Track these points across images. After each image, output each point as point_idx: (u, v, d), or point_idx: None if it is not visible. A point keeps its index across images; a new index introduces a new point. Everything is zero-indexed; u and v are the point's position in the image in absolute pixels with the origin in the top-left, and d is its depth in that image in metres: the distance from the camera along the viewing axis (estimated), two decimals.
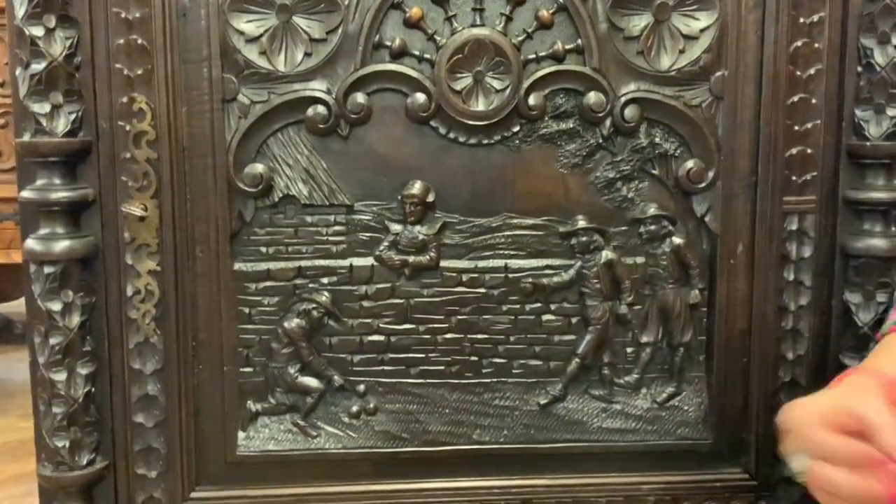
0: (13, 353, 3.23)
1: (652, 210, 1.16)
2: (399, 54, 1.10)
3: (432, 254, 1.15)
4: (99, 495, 1.14)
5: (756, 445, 1.19)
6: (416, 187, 1.13)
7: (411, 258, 1.15)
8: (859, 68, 1.12)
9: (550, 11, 1.10)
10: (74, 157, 1.07)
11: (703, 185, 1.15)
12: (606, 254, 1.16)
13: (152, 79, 1.06)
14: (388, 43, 1.09)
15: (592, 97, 1.12)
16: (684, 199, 1.16)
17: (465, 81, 1.10)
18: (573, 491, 1.19)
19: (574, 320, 1.19)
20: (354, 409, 1.18)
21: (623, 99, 1.12)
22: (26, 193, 1.06)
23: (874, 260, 1.14)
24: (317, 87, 1.10)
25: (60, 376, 1.08)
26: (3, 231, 2.71)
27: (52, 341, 1.07)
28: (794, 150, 1.13)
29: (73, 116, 1.05)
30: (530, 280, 1.17)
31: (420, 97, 1.10)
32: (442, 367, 1.18)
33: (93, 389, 1.10)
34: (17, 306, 3.22)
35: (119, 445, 1.13)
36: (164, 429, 1.13)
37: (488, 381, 1.19)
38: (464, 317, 1.17)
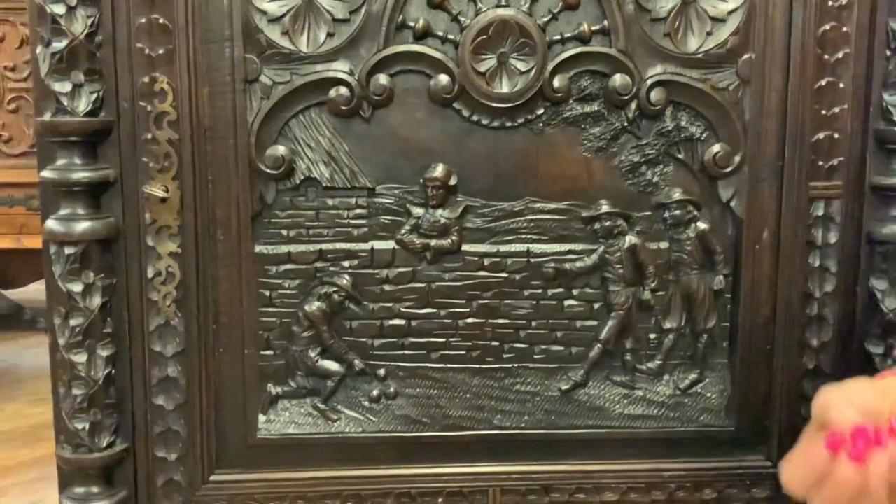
0: (22, 340, 3.23)
1: (677, 195, 1.14)
2: (422, 35, 1.09)
3: (454, 237, 1.14)
4: (118, 478, 1.13)
5: (779, 433, 1.18)
6: (439, 170, 1.12)
7: (433, 242, 1.14)
8: (888, 52, 1.11)
9: None
10: (95, 137, 1.06)
11: (729, 169, 1.14)
12: (630, 239, 1.15)
13: (174, 59, 1.05)
14: (412, 23, 1.08)
15: (618, 79, 1.10)
16: (710, 183, 1.15)
17: (488, 63, 1.09)
18: (594, 477, 1.19)
19: (596, 306, 1.18)
20: (375, 393, 1.17)
21: (649, 82, 1.11)
22: (47, 173, 1.05)
23: None
24: (339, 69, 1.08)
25: (81, 358, 1.07)
26: (14, 216, 2.70)
27: (73, 323, 1.06)
28: (821, 135, 1.12)
29: (94, 96, 1.04)
30: (552, 265, 1.16)
31: (443, 79, 1.09)
32: (463, 352, 1.17)
33: (113, 371, 1.10)
34: (26, 293, 3.22)
35: (139, 428, 1.13)
36: (185, 411, 1.12)
37: (509, 366, 1.18)
38: (485, 301, 1.16)
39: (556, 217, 1.15)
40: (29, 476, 2.31)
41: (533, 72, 1.09)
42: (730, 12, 1.10)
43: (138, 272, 1.09)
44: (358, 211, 1.14)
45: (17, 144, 2.57)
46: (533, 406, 1.18)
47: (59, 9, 1.01)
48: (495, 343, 1.17)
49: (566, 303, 1.17)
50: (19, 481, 2.34)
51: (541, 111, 1.12)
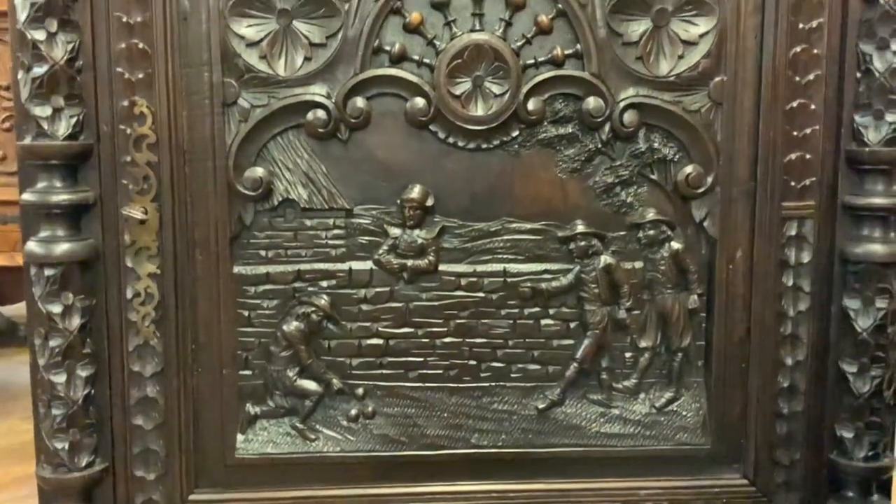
0: (17, 356, 3.24)
1: (651, 215, 1.16)
2: (399, 59, 1.10)
3: (431, 258, 1.15)
4: (98, 497, 1.14)
5: (755, 451, 1.19)
6: (416, 191, 1.14)
7: (410, 262, 1.15)
8: (858, 74, 1.13)
9: (550, 17, 1.10)
10: (75, 161, 1.07)
11: (701, 190, 1.15)
12: (605, 258, 1.17)
13: (153, 83, 1.07)
14: (388, 48, 1.10)
15: (591, 102, 1.12)
16: (683, 204, 1.16)
17: (464, 86, 1.11)
18: (571, 495, 1.19)
19: (573, 325, 1.19)
20: (353, 412, 1.18)
21: (622, 104, 1.12)
22: (27, 196, 1.07)
23: (873, 265, 1.14)
24: (317, 92, 1.10)
25: (60, 378, 1.08)
26: (8, 233, 2.71)
27: (52, 343, 1.08)
28: (793, 156, 1.14)
29: (74, 120, 1.05)
30: (529, 284, 1.17)
31: (419, 101, 1.11)
32: (440, 371, 1.18)
33: (92, 391, 1.11)
34: (20, 309, 3.23)
35: (118, 447, 1.14)
36: (163, 431, 1.13)
37: (487, 385, 1.19)
38: (462, 321, 1.17)
39: (532, 237, 1.17)
40: (21, 493, 2.31)
41: (507, 95, 1.11)
42: (701, 35, 1.11)
43: (117, 293, 1.11)
44: (336, 231, 1.15)
45: (11, 163, 2.59)
46: (510, 425, 1.19)
47: (40, 35, 1.03)
48: (473, 362, 1.18)
49: (543, 322, 1.18)
50: (11, 497, 2.34)
51: (516, 133, 1.13)
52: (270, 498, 1.16)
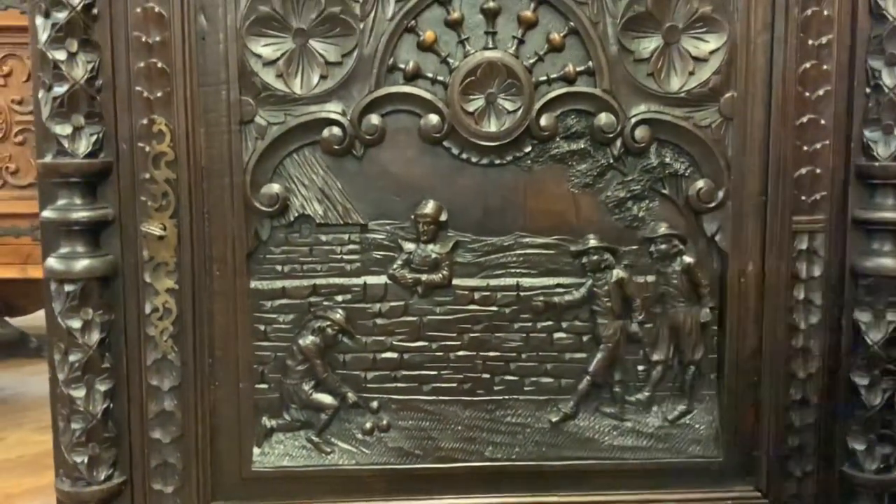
0: (28, 367, 3.26)
1: (662, 229, 1.17)
2: (413, 77, 1.12)
3: (445, 272, 1.17)
4: None
5: (767, 463, 1.20)
6: (429, 207, 1.15)
7: (424, 276, 1.17)
8: (867, 90, 1.14)
9: (562, 34, 1.12)
10: (95, 178, 1.09)
11: (713, 204, 1.16)
12: (617, 272, 1.18)
13: (172, 101, 1.09)
14: (402, 66, 1.11)
15: (603, 118, 1.13)
16: (695, 218, 1.17)
17: (477, 103, 1.12)
18: None
19: (585, 338, 1.20)
20: (368, 425, 1.19)
21: (633, 120, 1.13)
22: (48, 213, 1.09)
23: (884, 279, 1.14)
24: (332, 109, 1.12)
25: (79, 393, 1.10)
26: (20, 246, 2.73)
27: (72, 358, 1.09)
28: (803, 171, 1.15)
29: (94, 138, 1.07)
30: (542, 298, 1.18)
31: (433, 118, 1.12)
32: (454, 385, 1.19)
33: (111, 405, 1.12)
34: (31, 320, 3.24)
35: (136, 461, 1.15)
36: (181, 445, 1.14)
37: (500, 398, 1.20)
38: (476, 334, 1.18)
39: (545, 251, 1.18)
40: None
41: (520, 111, 1.12)
42: (711, 52, 1.13)
43: (136, 308, 1.12)
44: (351, 247, 1.16)
45: (23, 176, 2.62)
46: (523, 438, 1.20)
47: (61, 55, 1.05)
48: (486, 375, 1.19)
49: (555, 335, 1.19)
50: None
51: (528, 149, 1.15)
52: None
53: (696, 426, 1.21)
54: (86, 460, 1.11)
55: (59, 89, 1.05)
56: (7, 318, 3.30)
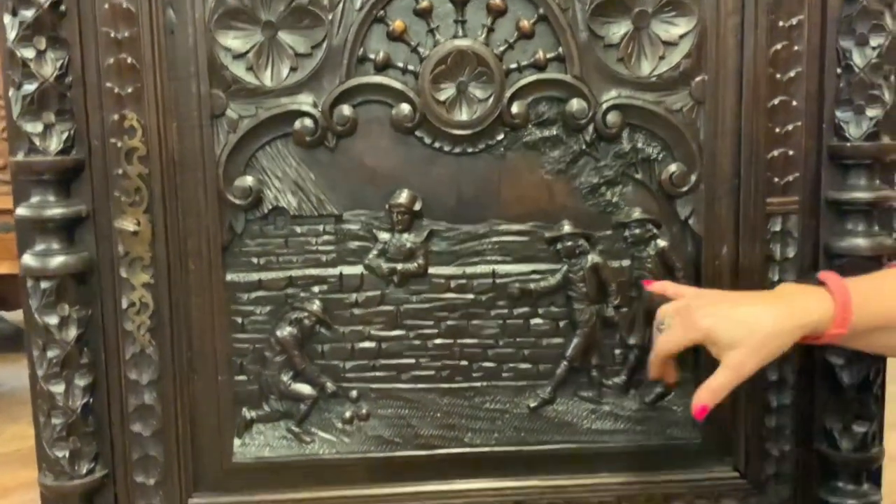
0: (23, 362, 3.28)
1: (636, 214, 1.17)
2: (383, 67, 1.12)
3: (420, 261, 1.17)
4: (99, 503, 1.16)
5: (745, 444, 1.21)
6: (403, 196, 1.15)
7: (400, 266, 1.17)
8: (839, 70, 1.14)
9: (531, 21, 1.11)
10: (68, 175, 1.09)
11: (686, 188, 1.16)
12: (592, 258, 1.18)
13: (142, 96, 1.09)
14: (372, 56, 1.11)
15: (574, 104, 1.13)
16: (668, 202, 1.18)
17: (448, 92, 1.12)
18: (565, 491, 1.21)
19: (562, 324, 1.20)
20: (347, 414, 1.20)
21: (605, 105, 1.13)
22: (22, 211, 1.09)
23: (857, 259, 1.15)
24: (303, 101, 1.12)
25: (59, 388, 1.11)
26: (10, 242, 2.74)
27: (50, 354, 1.10)
28: (775, 153, 1.15)
29: (65, 135, 1.07)
30: (517, 285, 1.18)
31: (405, 108, 1.12)
32: (433, 372, 1.20)
33: (91, 400, 1.13)
34: None
35: (118, 455, 1.16)
36: (162, 437, 1.15)
37: (478, 384, 1.21)
38: (453, 322, 1.19)
39: (520, 238, 1.18)
40: (28, 497, 2.34)
41: (491, 99, 1.12)
42: (681, 36, 1.12)
43: (113, 303, 1.13)
44: (326, 238, 1.17)
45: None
46: (503, 423, 1.21)
47: (29, 53, 1.05)
48: (464, 362, 1.20)
49: (532, 322, 1.20)
50: (18, 502, 2.38)
51: (501, 137, 1.15)
52: (268, 500, 1.19)
53: (674, 408, 1.22)
54: (67, 455, 1.12)
55: (29, 87, 1.05)
56: (2, 313, 3.31)
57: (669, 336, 1.04)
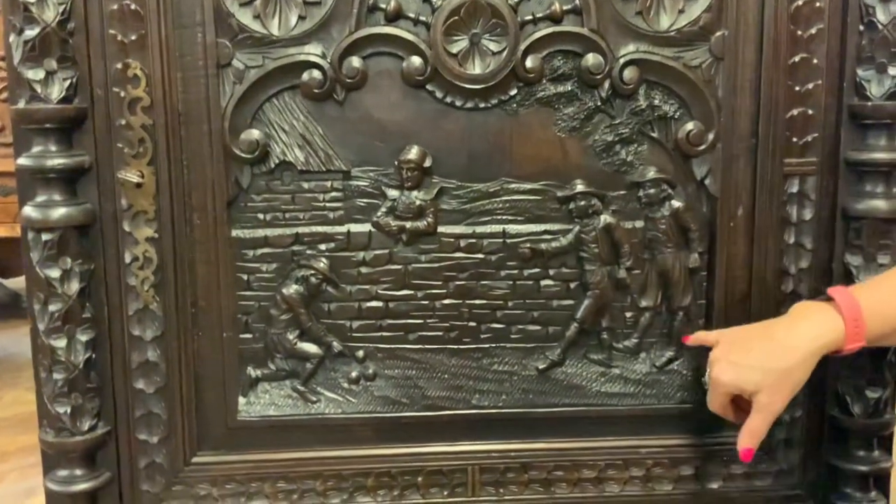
0: (22, 328, 3.26)
1: (651, 173, 1.15)
2: (394, 17, 1.09)
3: (430, 219, 1.15)
4: (101, 460, 1.15)
5: None
6: (413, 152, 1.13)
7: (408, 224, 1.15)
8: (861, 27, 1.11)
9: None
10: (70, 124, 1.06)
11: (702, 147, 1.14)
12: (605, 218, 1.16)
13: (146, 44, 1.06)
14: (383, 5, 1.08)
15: (590, 59, 1.10)
16: (684, 161, 1.15)
17: (461, 44, 1.09)
18: (572, 454, 1.20)
19: (573, 285, 1.18)
20: (354, 374, 1.18)
21: (622, 60, 1.11)
22: (23, 161, 1.06)
23: (875, 221, 1.13)
24: (311, 52, 1.09)
25: (60, 343, 1.08)
26: (9, 205, 2.71)
27: (52, 308, 1.08)
28: (794, 112, 1.12)
29: (67, 83, 1.04)
30: (528, 245, 1.16)
31: (416, 61, 1.09)
32: (440, 333, 1.18)
33: (93, 356, 1.11)
34: (23, 281, 3.26)
35: (120, 411, 1.14)
36: (165, 395, 1.13)
37: (487, 346, 1.19)
38: (462, 282, 1.17)
39: (532, 197, 1.16)
40: (27, 461, 2.34)
41: (505, 52, 1.09)
42: None
43: (116, 257, 1.10)
44: (333, 194, 1.14)
45: (10, 134, 2.58)
46: (510, 385, 1.19)
47: None
48: (472, 324, 1.18)
49: (542, 283, 1.18)
50: (18, 466, 2.38)
51: (514, 92, 1.12)
52: (272, 459, 1.17)
53: (684, 372, 1.20)
54: (69, 410, 1.10)
55: (31, 32, 1.02)
56: (0, 280, 3.30)
57: (709, 395, 1.09)
